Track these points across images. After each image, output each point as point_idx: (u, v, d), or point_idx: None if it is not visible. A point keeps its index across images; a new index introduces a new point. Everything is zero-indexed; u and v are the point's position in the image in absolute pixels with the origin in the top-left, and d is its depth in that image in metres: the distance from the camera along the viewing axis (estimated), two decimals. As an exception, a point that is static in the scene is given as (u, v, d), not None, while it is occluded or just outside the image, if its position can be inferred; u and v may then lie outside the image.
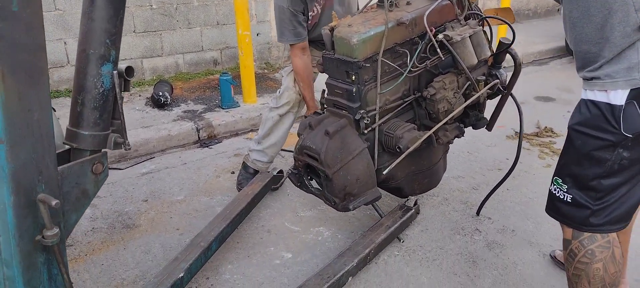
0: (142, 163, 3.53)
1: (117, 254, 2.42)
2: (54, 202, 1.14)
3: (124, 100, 4.91)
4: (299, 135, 2.15)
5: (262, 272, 2.26)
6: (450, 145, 2.61)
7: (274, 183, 2.94)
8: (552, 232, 2.48)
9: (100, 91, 1.34)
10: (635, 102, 1.37)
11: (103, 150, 1.40)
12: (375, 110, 2.06)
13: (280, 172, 3.00)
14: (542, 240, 2.44)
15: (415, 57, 2.07)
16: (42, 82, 1.12)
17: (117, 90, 1.37)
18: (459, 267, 2.26)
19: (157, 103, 4.41)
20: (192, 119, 4.12)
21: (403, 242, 2.43)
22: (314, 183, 2.17)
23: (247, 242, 2.50)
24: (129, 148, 1.48)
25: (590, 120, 1.44)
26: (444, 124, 2.17)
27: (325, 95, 2.18)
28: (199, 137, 3.98)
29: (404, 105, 2.20)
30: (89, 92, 1.33)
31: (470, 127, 2.46)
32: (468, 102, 2.21)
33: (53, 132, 1.19)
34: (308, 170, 2.13)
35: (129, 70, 1.43)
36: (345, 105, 2.07)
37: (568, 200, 1.53)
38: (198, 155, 3.67)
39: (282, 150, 3.64)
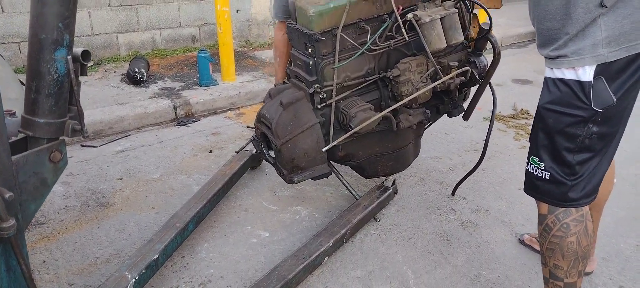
0: (117, 141, 3.46)
1: (90, 233, 2.39)
2: (7, 195, 1.10)
3: (99, 76, 4.79)
4: (264, 101, 2.18)
5: (238, 251, 2.26)
6: (425, 129, 2.59)
7: (254, 162, 2.92)
8: (525, 212, 2.54)
9: (55, 77, 1.28)
10: (602, 77, 1.39)
11: (61, 137, 1.35)
12: (331, 85, 2.03)
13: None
14: (514, 220, 2.49)
15: (376, 35, 2.03)
16: None
17: (72, 76, 1.32)
18: (434, 245, 2.29)
19: (133, 80, 4.31)
20: (169, 97, 4.05)
21: (379, 221, 2.45)
22: (272, 153, 2.17)
23: (224, 221, 2.48)
24: (87, 136, 1.42)
25: (561, 98, 1.46)
26: (402, 106, 2.12)
27: (291, 67, 2.18)
28: (176, 115, 3.92)
29: (367, 83, 2.16)
30: (43, 79, 1.27)
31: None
32: (429, 86, 2.11)
33: (4, 121, 1.13)
34: (266, 139, 2.14)
35: (85, 54, 1.38)
36: (304, 78, 2.06)
37: (546, 177, 1.55)
38: (175, 133, 3.62)
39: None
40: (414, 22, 1.98)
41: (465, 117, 2.46)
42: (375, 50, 2.06)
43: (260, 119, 2.07)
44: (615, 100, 1.39)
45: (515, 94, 4.35)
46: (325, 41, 1.97)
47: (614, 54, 1.37)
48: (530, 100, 4.13)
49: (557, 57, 1.46)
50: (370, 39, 2.02)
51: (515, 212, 2.56)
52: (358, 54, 2.02)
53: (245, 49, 5.86)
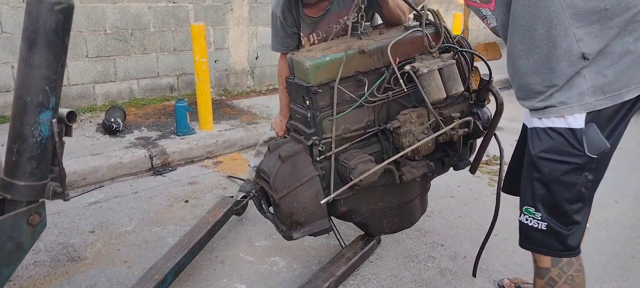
0: (90, 192, 3.39)
1: (59, 289, 2.30)
2: None
3: (74, 127, 4.74)
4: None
5: (214, 305, 2.19)
6: (431, 184, 2.49)
7: (238, 209, 2.88)
8: (502, 259, 2.55)
9: (38, 140, 1.27)
10: (594, 124, 1.43)
11: (40, 200, 1.32)
12: (330, 138, 2.01)
13: (244, 197, 2.96)
14: (492, 267, 2.50)
15: (374, 86, 2.02)
16: None
17: (56, 138, 1.31)
18: (413, 295, 2.27)
19: (109, 130, 4.27)
20: (145, 146, 4.01)
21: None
22: (271, 209, 2.12)
23: (200, 273, 2.42)
24: (68, 199, 1.40)
25: (555, 146, 1.48)
26: (405, 159, 2.09)
27: (290, 121, 2.18)
28: (152, 165, 3.88)
29: (367, 135, 2.12)
30: (26, 141, 1.26)
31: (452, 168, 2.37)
32: (431, 136, 2.06)
33: None
34: (265, 194, 2.09)
35: (71, 115, 1.38)
36: (302, 131, 2.05)
37: (543, 228, 1.54)
38: (151, 183, 3.57)
39: (233, 177, 3.61)
40: (411, 73, 1.98)
41: (472, 170, 2.36)
42: (374, 102, 2.04)
43: (259, 173, 2.03)
44: (608, 145, 1.44)
45: (489, 140, 4.46)
46: (323, 94, 1.96)
47: (601, 102, 1.42)
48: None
49: (545, 107, 1.48)
50: (367, 91, 2.01)
51: (492, 258, 2.57)
52: (355, 105, 2.01)
53: (224, 97, 5.90)
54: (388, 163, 2.05)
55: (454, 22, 7.00)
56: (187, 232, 2.46)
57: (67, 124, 1.36)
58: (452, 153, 2.29)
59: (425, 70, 1.97)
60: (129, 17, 5.11)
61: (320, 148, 2.01)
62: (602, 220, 2.96)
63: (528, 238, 1.61)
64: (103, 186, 3.51)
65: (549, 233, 1.54)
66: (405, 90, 2.05)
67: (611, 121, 1.45)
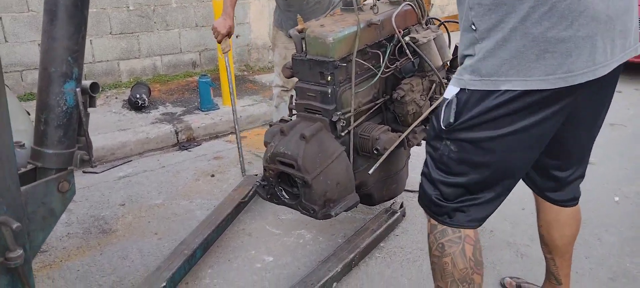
0: (119, 166, 3.46)
1: (93, 260, 2.37)
2: (15, 225, 1.10)
3: (101, 103, 4.83)
4: (266, 144, 2.07)
5: (243, 276, 2.24)
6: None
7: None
8: (529, 232, 2.53)
9: (64, 109, 1.30)
10: (456, 98, 1.34)
11: (69, 168, 1.37)
12: (349, 112, 2.03)
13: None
14: (519, 240, 2.48)
15: (387, 57, 2.08)
16: None
17: (81, 108, 1.34)
18: (439, 268, 2.27)
19: (135, 105, 4.34)
20: (171, 122, 4.07)
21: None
22: (291, 191, 2.09)
23: (228, 245, 2.47)
24: (95, 166, 1.43)
25: (437, 110, 1.45)
26: (416, 125, 2.19)
27: (296, 100, 2.11)
28: (178, 140, 3.93)
29: (375, 107, 2.19)
30: (52, 111, 1.29)
31: None
32: (436, 103, 2.18)
33: (13, 152, 1.15)
34: (279, 180, 2.04)
35: (94, 86, 1.41)
36: (320, 108, 2.02)
37: (422, 183, 1.51)
38: (177, 158, 3.63)
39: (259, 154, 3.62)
40: (412, 44, 2.07)
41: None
42: (387, 73, 2.10)
43: (274, 158, 1.95)
44: (451, 121, 1.33)
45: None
46: (344, 68, 1.98)
47: (475, 83, 1.29)
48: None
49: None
50: (382, 62, 2.07)
51: (519, 232, 2.55)
52: (376, 77, 2.05)
53: (246, 73, 5.91)
54: (408, 133, 2.15)
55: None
56: (214, 209, 2.51)
57: (91, 94, 1.39)
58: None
59: (424, 40, 2.07)
60: (151, -7, 5.12)
61: (342, 124, 2.01)
62: (632, 194, 2.90)
63: (420, 194, 1.55)
64: (131, 161, 3.58)
65: (423, 190, 1.50)
66: (412, 60, 2.13)
67: (480, 103, 1.29)
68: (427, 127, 2.31)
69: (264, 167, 2.02)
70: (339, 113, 1.99)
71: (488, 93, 1.28)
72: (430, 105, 2.27)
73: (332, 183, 1.95)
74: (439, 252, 1.48)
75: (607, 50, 1.24)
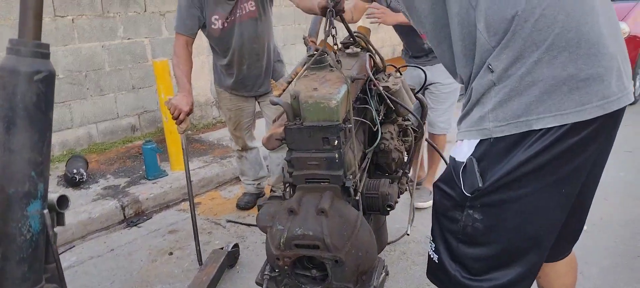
0: (61, 255, 3.07)
1: None
2: None
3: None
4: (263, 229, 1.82)
5: None
6: None
7: (230, 260, 2.67)
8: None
9: (28, 238, 1.05)
10: (474, 159, 1.21)
11: None
12: (354, 173, 1.86)
13: (235, 246, 2.75)
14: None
15: (374, 108, 2.04)
16: None
17: (49, 231, 1.09)
18: (433, 328, 2.15)
19: (72, 182, 3.94)
20: (115, 196, 3.72)
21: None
22: (314, 273, 1.83)
23: (200, 336, 2.20)
24: None
25: (447, 175, 1.33)
26: (404, 172, 2.18)
27: (294, 173, 1.85)
28: (124, 216, 3.60)
29: (368, 162, 2.07)
30: (13, 242, 1.03)
31: None
32: (414, 147, 2.26)
33: None
34: (305, 264, 1.79)
35: (62, 200, 1.16)
36: (327, 176, 1.79)
37: (435, 260, 1.38)
38: (126, 237, 3.29)
39: (233, 222, 3.39)
40: (384, 93, 2.06)
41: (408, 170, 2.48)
42: (377, 124, 2.05)
43: (291, 243, 1.70)
44: (480, 185, 1.18)
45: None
46: (345, 129, 1.79)
47: (502, 129, 1.15)
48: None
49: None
50: (378, 114, 2.05)
51: None
52: (375, 129, 2.00)
53: (190, 132, 5.64)
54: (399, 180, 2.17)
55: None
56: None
57: (58, 211, 1.14)
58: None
59: (397, 87, 2.08)
60: (82, 59, 4.80)
61: (354, 187, 1.81)
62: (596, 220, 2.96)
63: (429, 270, 1.45)
64: (74, 247, 3.20)
65: (441, 270, 1.37)
66: (393, 108, 2.14)
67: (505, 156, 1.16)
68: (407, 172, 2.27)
69: (276, 257, 1.74)
70: (350, 176, 1.80)
71: (521, 138, 1.12)
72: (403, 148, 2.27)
73: (362, 254, 1.73)
74: None
75: (623, 78, 1.15)
